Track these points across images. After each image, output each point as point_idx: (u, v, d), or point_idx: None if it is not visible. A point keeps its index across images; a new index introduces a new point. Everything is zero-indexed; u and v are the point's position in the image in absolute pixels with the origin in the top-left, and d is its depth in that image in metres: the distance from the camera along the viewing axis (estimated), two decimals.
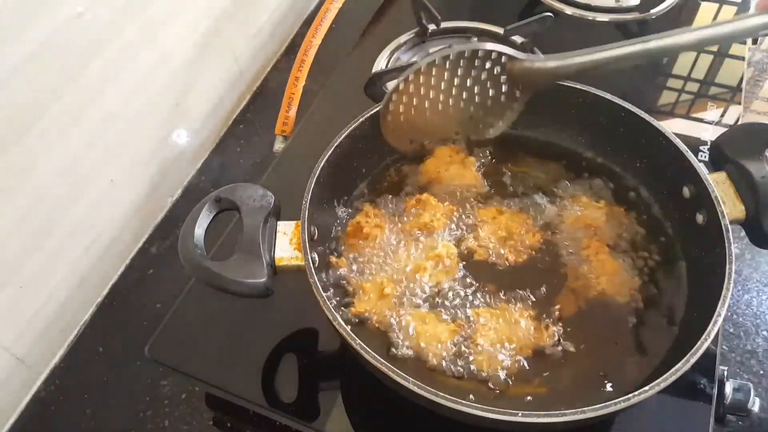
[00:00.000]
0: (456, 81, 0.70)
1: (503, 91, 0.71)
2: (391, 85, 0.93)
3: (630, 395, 0.51)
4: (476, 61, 0.68)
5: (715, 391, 0.65)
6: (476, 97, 0.72)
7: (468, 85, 0.70)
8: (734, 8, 1.10)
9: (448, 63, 0.67)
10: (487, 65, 0.68)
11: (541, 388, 0.61)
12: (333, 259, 0.69)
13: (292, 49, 1.17)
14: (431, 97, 0.71)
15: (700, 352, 0.53)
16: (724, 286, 0.57)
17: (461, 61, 0.68)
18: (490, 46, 0.67)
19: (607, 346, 0.64)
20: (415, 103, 0.71)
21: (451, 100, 0.72)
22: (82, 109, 0.75)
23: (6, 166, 0.67)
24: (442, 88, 0.70)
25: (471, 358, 0.62)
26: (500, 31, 1.00)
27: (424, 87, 0.69)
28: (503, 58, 0.67)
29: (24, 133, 0.68)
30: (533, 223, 0.73)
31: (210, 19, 0.96)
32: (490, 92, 0.71)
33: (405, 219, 0.73)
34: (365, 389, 0.66)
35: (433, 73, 0.68)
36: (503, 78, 0.69)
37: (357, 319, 0.65)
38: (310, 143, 0.84)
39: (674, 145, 0.68)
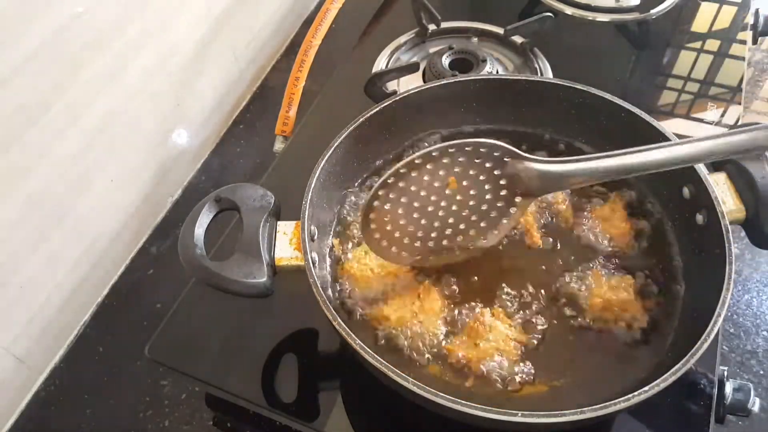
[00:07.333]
0: (448, 180, 0.60)
1: (501, 194, 0.61)
2: (391, 85, 0.94)
3: (630, 395, 0.50)
4: (475, 157, 0.60)
5: (715, 391, 0.65)
6: (471, 200, 0.62)
7: (464, 185, 0.61)
8: (734, 8, 1.10)
9: (444, 158, 0.59)
10: (487, 164, 0.60)
11: (541, 387, 0.61)
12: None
13: (292, 49, 1.17)
14: (421, 196, 0.61)
15: (700, 352, 0.53)
16: (724, 286, 0.57)
17: (458, 157, 0.59)
18: (489, 141, 0.59)
19: (606, 347, 0.64)
20: (402, 204, 0.61)
21: (443, 202, 0.61)
22: (82, 109, 0.75)
23: (6, 165, 0.67)
24: (436, 185, 0.60)
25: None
26: (500, 31, 1.00)
27: (413, 185, 0.60)
28: (505, 158, 0.60)
29: (24, 133, 0.68)
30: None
31: (210, 19, 0.96)
32: (487, 196, 0.61)
33: None
34: (365, 389, 0.66)
35: (426, 167, 0.59)
36: (502, 181, 0.61)
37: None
38: (310, 143, 0.84)
39: None
